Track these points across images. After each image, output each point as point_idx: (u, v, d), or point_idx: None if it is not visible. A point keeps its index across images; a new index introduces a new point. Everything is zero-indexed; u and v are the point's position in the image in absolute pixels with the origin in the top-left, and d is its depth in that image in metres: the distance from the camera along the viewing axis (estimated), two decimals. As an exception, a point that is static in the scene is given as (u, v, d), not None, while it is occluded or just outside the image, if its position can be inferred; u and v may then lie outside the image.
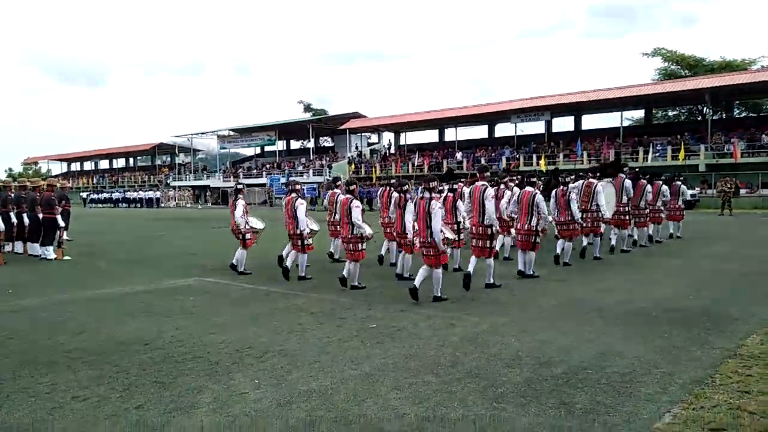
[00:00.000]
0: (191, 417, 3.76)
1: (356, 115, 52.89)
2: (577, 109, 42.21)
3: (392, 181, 12.15)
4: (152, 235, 19.33)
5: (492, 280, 8.26)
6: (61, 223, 12.86)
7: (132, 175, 72.82)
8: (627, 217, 12.12)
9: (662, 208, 13.83)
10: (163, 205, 53.33)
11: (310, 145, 58.19)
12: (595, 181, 11.28)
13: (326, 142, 62.83)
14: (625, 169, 12.38)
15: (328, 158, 53.59)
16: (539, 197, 9.15)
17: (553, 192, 10.46)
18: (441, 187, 8.82)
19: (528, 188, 9.35)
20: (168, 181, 63.94)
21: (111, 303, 7.69)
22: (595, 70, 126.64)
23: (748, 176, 29.78)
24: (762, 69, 39.06)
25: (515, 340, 5.44)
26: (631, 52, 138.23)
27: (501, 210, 10.06)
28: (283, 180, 46.68)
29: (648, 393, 4.00)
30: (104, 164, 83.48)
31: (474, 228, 8.38)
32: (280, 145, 61.95)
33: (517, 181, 11.00)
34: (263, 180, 51.66)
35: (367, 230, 8.29)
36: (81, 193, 62.43)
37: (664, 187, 13.77)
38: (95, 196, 59.95)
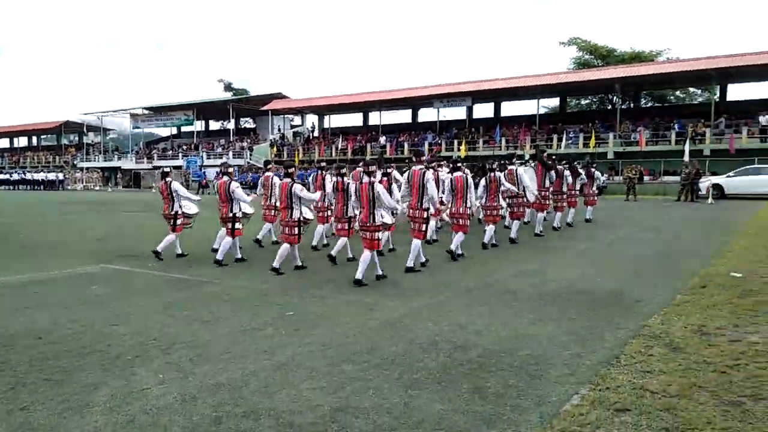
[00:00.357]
0: (84, 417, 3.46)
1: (279, 96, 51.65)
2: (497, 96, 43.27)
3: (322, 164, 12.10)
4: (54, 220, 18.03)
5: (413, 264, 8.29)
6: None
7: (35, 155, 67.85)
8: (547, 201, 13.00)
9: (577, 192, 14.60)
10: (69, 187, 50.11)
11: (231, 126, 56.34)
12: (514, 167, 11.81)
13: (247, 123, 61.02)
14: (544, 155, 13.17)
15: (249, 140, 52.06)
16: (471, 181, 9.49)
17: (484, 179, 10.65)
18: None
19: (458, 173, 9.38)
20: (75, 162, 60.12)
21: (1, 294, 7.04)
22: (515, 58, 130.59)
23: (651, 164, 31.63)
24: (667, 61, 41.54)
25: (432, 324, 5.44)
26: (550, 39, 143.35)
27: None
28: (200, 162, 44.98)
29: (557, 375, 4.08)
30: (4, 143, 77.27)
31: (411, 211, 8.53)
32: (199, 126, 59.48)
33: (448, 169, 11.18)
34: (179, 162, 49.50)
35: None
36: (-25, 174, 57.56)
37: (581, 172, 14.59)
38: (-9, 177, 55.42)
